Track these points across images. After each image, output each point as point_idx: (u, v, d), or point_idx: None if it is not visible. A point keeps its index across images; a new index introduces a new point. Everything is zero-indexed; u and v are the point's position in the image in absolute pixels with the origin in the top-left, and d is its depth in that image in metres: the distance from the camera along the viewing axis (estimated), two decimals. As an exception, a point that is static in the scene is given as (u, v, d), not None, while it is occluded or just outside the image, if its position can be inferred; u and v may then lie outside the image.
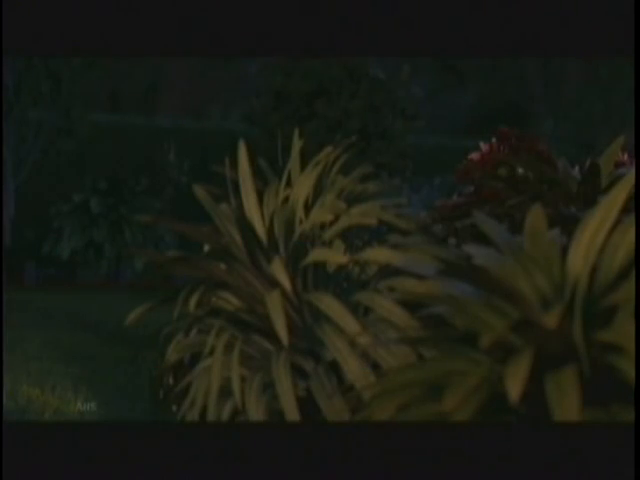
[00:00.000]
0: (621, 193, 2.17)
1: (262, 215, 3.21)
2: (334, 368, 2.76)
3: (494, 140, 3.58)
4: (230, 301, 3.14)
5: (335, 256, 3.10)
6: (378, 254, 2.83)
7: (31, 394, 3.75)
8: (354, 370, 2.66)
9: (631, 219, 2.14)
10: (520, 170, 3.35)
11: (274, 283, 3.00)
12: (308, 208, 3.22)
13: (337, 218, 3.10)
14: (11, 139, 9.24)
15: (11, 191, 9.35)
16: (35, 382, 3.96)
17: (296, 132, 3.36)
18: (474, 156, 3.54)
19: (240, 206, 3.23)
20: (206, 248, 3.37)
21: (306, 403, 2.75)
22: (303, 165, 3.30)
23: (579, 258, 2.14)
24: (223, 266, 3.15)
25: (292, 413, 2.68)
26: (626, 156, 3.48)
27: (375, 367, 2.64)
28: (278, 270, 2.97)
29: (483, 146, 3.56)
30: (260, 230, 3.20)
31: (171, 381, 3.14)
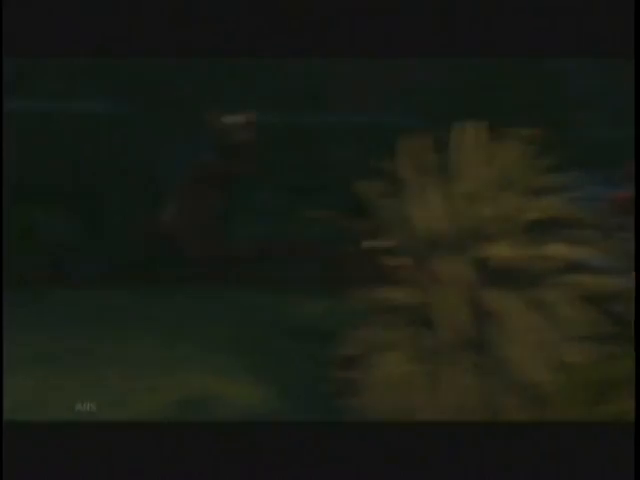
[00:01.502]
0: None
1: (433, 210, 3.16)
2: (510, 364, 2.74)
3: None
4: (402, 296, 3.12)
5: (512, 250, 3.04)
6: (557, 249, 2.79)
7: (210, 384, 3.81)
8: (531, 366, 2.63)
9: None
10: None
11: (447, 278, 2.97)
12: (482, 202, 3.16)
13: (515, 212, 3.06)
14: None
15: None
16: (218, 373, 4.00)
17: (469, 125, 3.27)
18: None
19: (409, 201, 3.17)
20: (374, 244, 3.31)
21: (482, 399, 2.72)
22: (476, 158, 3.22)
23: None
24: (394, 261, 3.12)
25: (467, 409, 2.65)
26: None
27: (552, 363, 2.63)
28: (451, 265, 2.94)
29: None
30: (431, 225, 3.17)
31: (347, 374, 3.12)
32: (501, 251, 3.00)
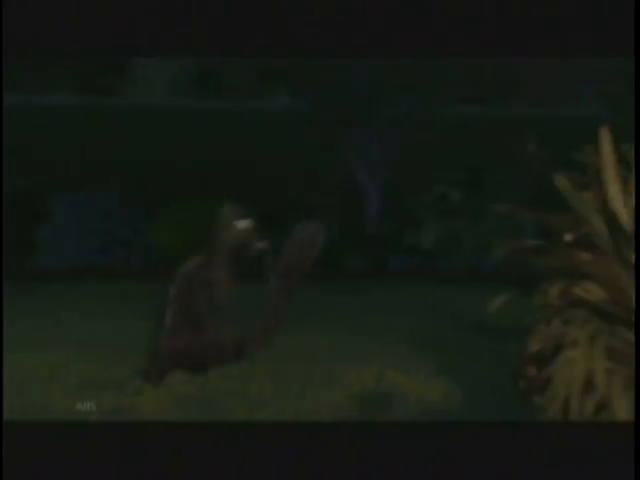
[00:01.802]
0: None
1: (627, 203, 3.06)
2: None
3: None
4: (593, 292, 3.03)
5: None
6: None
7: (396, 380, 3.79)
8: None
9: None
10: None
11: (640, 274, 2.87)
12: None
13: None
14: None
15: (378, 185, 9.45)
16: (400, 367, 3.97)
17: None
18: None
19: (603, 194, 3.08)
20: (566, 238, 3.26)
21: None
22: None
23: None
24: (586, 256, 3.07)
25: None
26: None
27: None
28: (649, 260, 2.82)
29: None
30: (625, 219, 3.05)
31: (533, 372, 3.07)
32: None
